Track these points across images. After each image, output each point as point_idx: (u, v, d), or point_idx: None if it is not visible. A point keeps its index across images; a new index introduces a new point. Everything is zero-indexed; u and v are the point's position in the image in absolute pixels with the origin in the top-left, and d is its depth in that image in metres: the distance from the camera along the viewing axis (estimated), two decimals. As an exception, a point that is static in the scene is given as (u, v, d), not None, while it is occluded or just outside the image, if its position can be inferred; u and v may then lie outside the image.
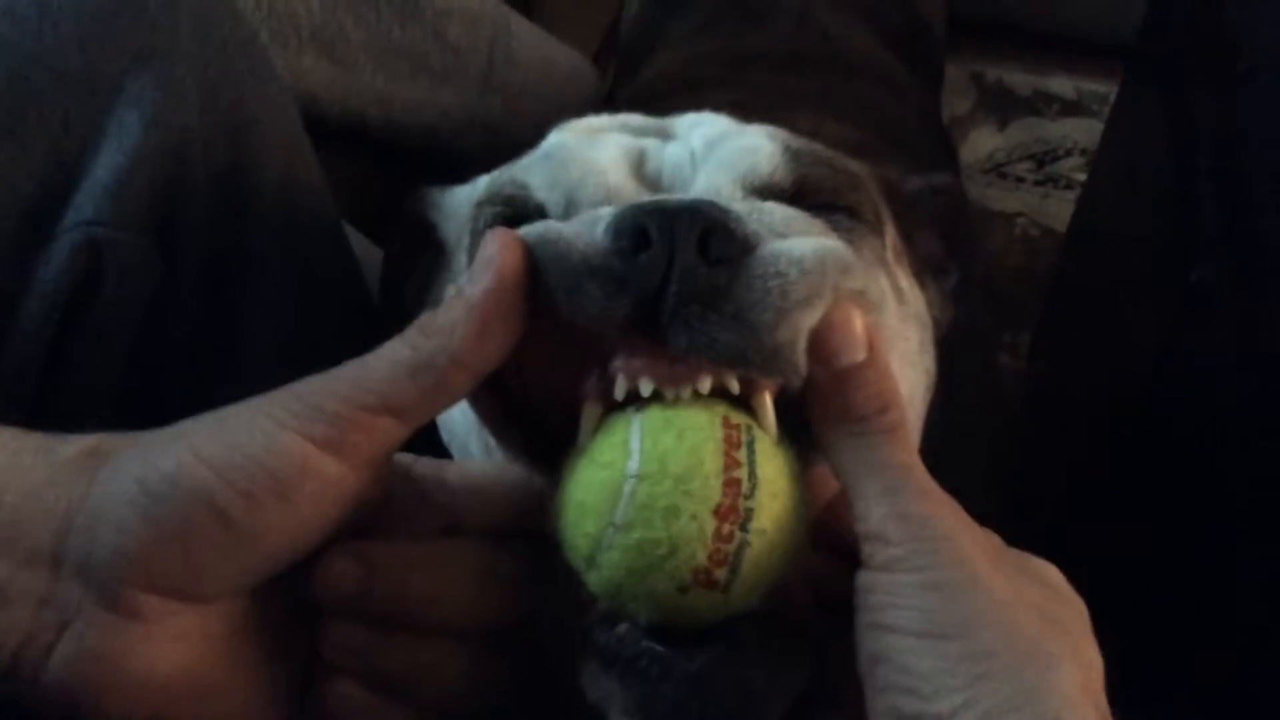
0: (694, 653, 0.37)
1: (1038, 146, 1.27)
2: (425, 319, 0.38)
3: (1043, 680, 0.34)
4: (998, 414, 0.76)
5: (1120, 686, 0.36)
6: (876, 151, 0.74)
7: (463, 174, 0.55)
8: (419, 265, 0.57)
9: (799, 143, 0.48)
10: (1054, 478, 0.74)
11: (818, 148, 0.49)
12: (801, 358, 0.38)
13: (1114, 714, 0.35)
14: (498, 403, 0.40)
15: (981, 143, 1.26)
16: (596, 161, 0.45)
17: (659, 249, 0.37)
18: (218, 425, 0.36)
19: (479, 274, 0.37)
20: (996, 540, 0.38)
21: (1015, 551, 0.38)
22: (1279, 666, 0.51)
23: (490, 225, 0.46)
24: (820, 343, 0.38)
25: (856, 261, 0.41)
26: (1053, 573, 0.38)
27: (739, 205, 0.42)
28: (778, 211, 0.42)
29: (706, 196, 0.42)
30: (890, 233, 0.50)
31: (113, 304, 0.48)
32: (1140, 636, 0.60)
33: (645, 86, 0.85)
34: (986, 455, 0.69)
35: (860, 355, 0.38)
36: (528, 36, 0.95)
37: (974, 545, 0.36)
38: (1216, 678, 0.56)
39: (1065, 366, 0.80)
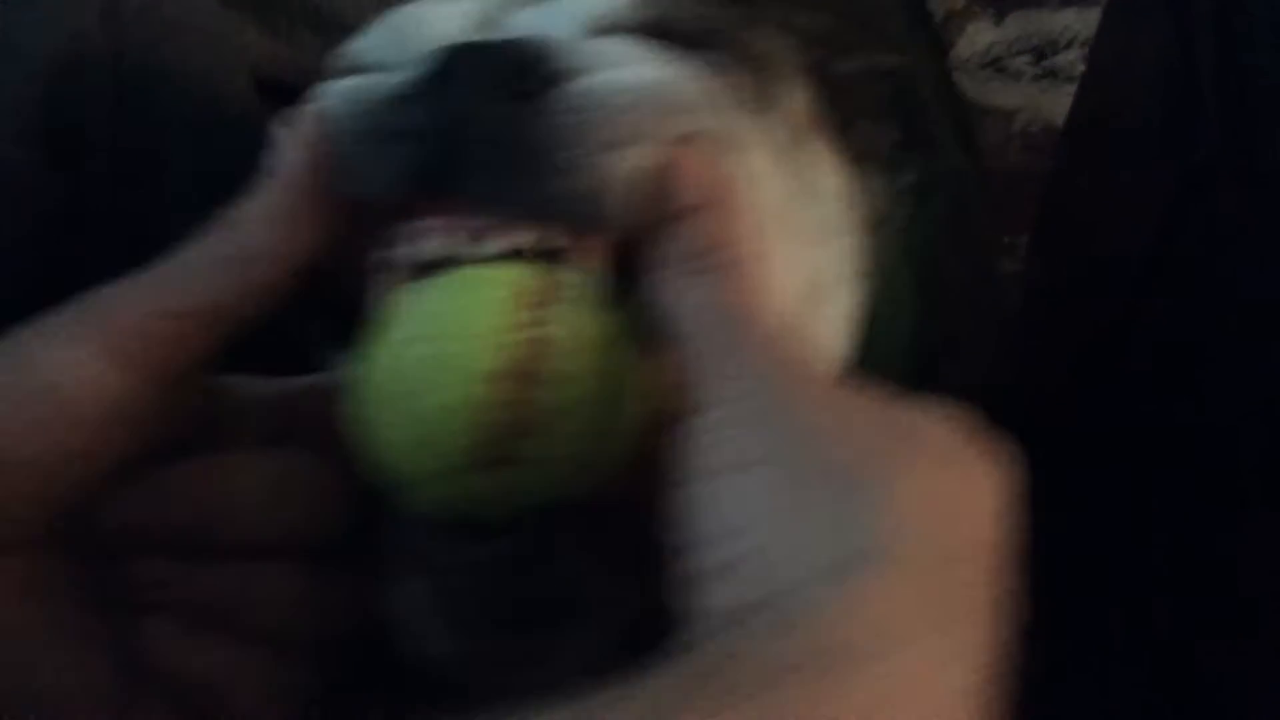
0: (488, 540, 0.32)
1: (1037, 39, 1.21)
2: (233, 209, 0.34)
3: (855, 509, 0.27)
4: (995, 320, 0.72)
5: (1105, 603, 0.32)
6: (850, 44, 0.70)
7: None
8: None
9: None
10: (1054, 379, 0.70)
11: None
12: (619, 206, 0.33)
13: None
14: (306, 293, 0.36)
15: (978, 36, 1.21)
16: (436, 18, 0.40)
17: (445, 88, 0.32)
18: None
19: (284, 149, 0.34)
20: (871, 398, 0.31)
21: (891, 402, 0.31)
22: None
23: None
24: (656, 186, 0.33)
25: (708, 98, 0.36)
26: (938, 420, 0.31)
27: (567, 42, 0.36)
28: (614, 46, 0.37)
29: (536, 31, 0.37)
30: (800, 102, 0.45)
31: (7, 222, 0.46)
32: (1138, 536, 0.58)
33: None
34: (986, 364, 0.66)
35: (704, 198, 0.33)
36: None
37: (809, 382, 0.30)
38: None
39: (1063, 264, 0.76)
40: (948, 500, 0.29)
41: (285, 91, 0.68)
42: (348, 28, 0.71)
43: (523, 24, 0.41)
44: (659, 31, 0.40)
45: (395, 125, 0.33)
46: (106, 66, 0.48)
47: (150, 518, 0.34)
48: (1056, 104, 1.14)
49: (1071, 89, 1.20)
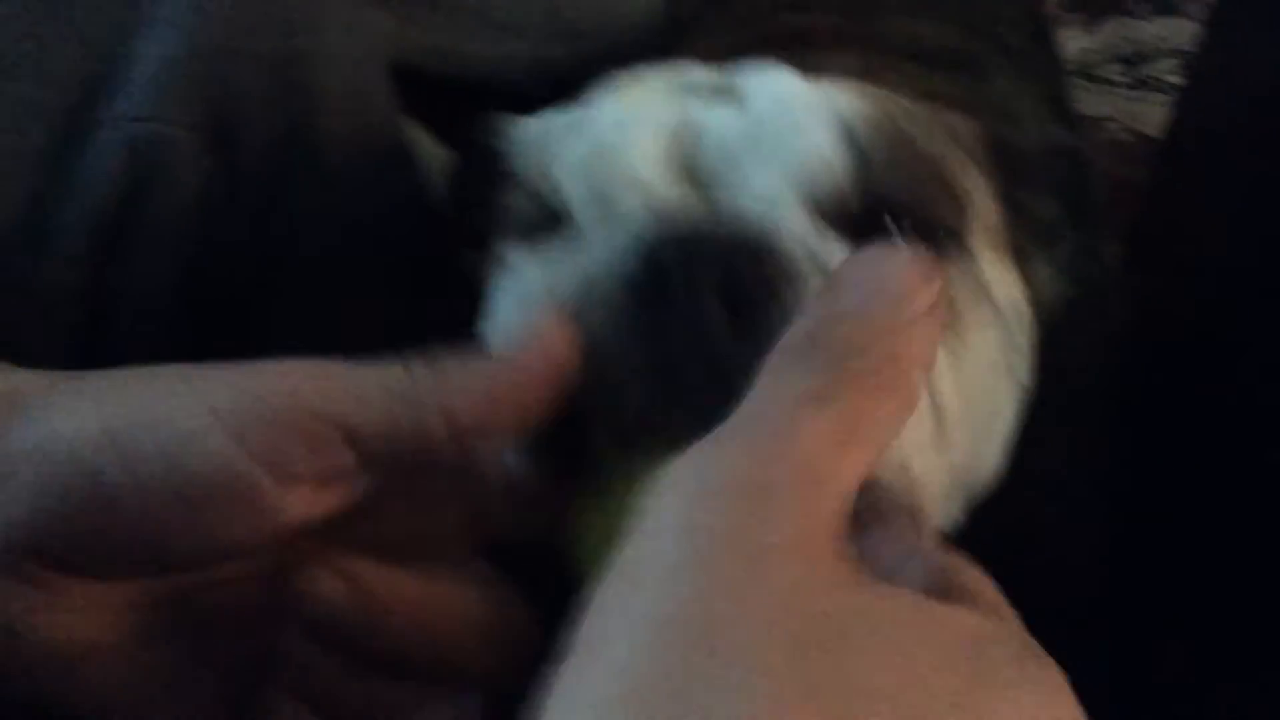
0: None
1: (1128, 47, 1.21)
2: (446, 358, 0.33)
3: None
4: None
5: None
6: (981, 60, 0.70)
7: (529, 109, 0.51)
8: (488, 197, 0.55)
9: (877, 121, 0.42)
10: (1155, 388, 0.70)
11: (901, 129, 0.43)
12: None
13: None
14: None
15: (1069, 44, 1.20)
16: (633, 156, 0.40)
17: (668, 302, 0.34)
18: (136, 392, 0.31)
19: (524, 352, 0.33)
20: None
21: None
22: None
23: (520, 225, 0.44)
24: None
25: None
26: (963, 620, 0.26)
27: (794, 234, 0.37)
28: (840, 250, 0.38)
29: (760, 207, 0.38)
30: (987, 214, 0.45)
31: (166, 207, 0.45)
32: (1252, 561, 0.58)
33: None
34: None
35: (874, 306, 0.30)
36: None
37: (750, 557, 0.25)
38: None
39: (1167, 274, 0.76)
40: None
41: (420, 79, 0.69)
42: (481, 15, 0.72)
43: (726, 156, 0.40)
44: (874, 202, 0.40)
45: (630, 362, 0.34)
46: (252, 57, 0.48)
47: (341, 614, 0.32)
48: (1147, 112, 1.13)
49: (1162, 98, 1.20)
